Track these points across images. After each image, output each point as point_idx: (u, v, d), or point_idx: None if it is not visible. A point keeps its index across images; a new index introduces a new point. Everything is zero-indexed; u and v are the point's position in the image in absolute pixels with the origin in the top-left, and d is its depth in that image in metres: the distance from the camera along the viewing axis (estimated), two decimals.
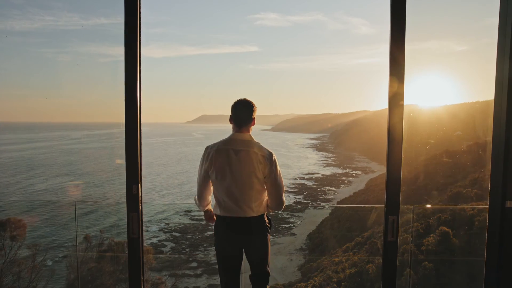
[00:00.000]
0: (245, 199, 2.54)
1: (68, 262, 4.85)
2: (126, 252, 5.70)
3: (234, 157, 2.53)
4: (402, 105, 2.63)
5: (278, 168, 2.64)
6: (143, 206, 2.79)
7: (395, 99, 2.63)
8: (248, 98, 2.66)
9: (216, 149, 2.58)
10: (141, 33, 2.66)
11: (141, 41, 2.68)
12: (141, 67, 2.67)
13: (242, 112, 2.62)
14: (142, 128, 2.75)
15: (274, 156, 2.63)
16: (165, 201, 48.58)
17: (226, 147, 2.57)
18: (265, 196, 2.66)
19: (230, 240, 2.64)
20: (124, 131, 2.69)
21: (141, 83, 2.67)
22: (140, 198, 2.74)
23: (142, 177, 2.79)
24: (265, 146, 2.66)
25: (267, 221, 2.70)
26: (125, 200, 2.78)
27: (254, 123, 2.69)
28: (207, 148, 2.63)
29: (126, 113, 2.64)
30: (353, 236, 16.97)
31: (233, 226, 2.59)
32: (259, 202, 2.61)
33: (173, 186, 57.10)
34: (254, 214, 2.58)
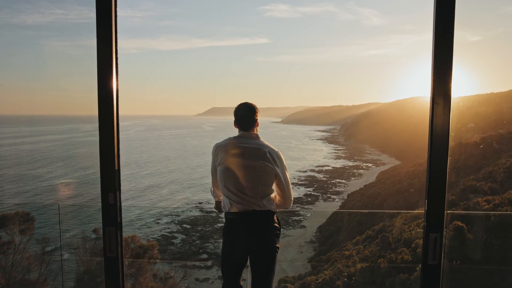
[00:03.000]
0: (252, 193, 2.55)
1: (78, 256, 4.87)
2: (131, 247, 5.71)
3: (242, 152, 2.57)
4: (450, 95, 2.18)
5: (285, 165, 2.69)
6: (122, 218, 2.35)
7: (441, 87, 2.16)
8: (249, 102, 2.73)
9: (224, 144, 2.63)
10: (117, 21, 2.31)
11: (117, 32, 2.28)
12: (118, 61, 2.29)
13: (246, 116, 2.67)
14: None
15: (281, 154, 2.67)
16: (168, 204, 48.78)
17: (235, 142, 2.62)
18: (272, 193, 2.68)
19: (237, 236, 2.62)
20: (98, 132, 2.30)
21: (118, 77, 2.30)
22: (118, 209, 2.30)
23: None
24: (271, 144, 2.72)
25: (276, 220, 2.67)
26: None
27: (258, 125, 2.73)
28: (216, 145, 2.69)
29: (100, 108, 2.27)
30: (363, 230, 16.89)
31: (240, 221, 2.59)
32: (266, 198, 2.60)
33: (194, 179, 57.21)
34: (261, 208, 2.57)
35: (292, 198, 2.76)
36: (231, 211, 2.60)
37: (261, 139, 2.68)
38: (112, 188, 2.28)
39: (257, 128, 2.74)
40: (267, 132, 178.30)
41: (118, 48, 2.29)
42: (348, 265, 9.61)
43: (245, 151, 2.58)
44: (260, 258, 2.63)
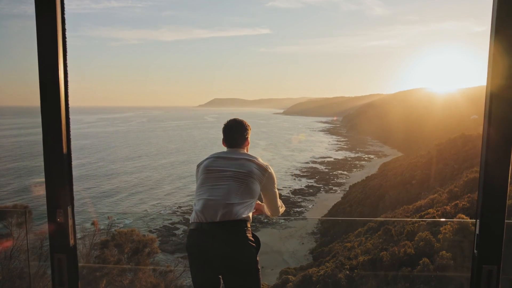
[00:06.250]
0: (226, 198, 2.21)
1: (78, 249, 4.79)
2: (132, 237, 5.66)
3: (225, 161, 2.35)
4: None
5: (275, 180, 2.45)
6: (76, 240, 1.82)
7: (503, 75, 1.68)
8: (239, 118, 2.50)
9: (207, 158, 2.42)
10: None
11: (65, 12, 1.75)
12: (65, 33, 1.75)
13: (234, 132, 2.44)
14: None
15: (270, 168, 2.42)
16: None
17: (219, 156, 2.40)
18: (252, 204, 2.36)
19: (201, 252, 2.21)
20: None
21: (66, 60, 1.77)
22: (71, 229, 1.81)
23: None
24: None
25: (250, 236, 2.25)
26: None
27: (248, 143, 2.50)
28: (199, 163, 2.46)
29: (42, 99, 1.75)
30: (365, 221, 16.85)
31: (203, 232, 2.20)
32: (242, 205, 2.25)
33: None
34: (234, 217, 2.19)
35: (280, 210, 2.54)
36: (195, 220, 2.22)
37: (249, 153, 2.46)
38: (61, 202, 1.78)
39: (248, 147, 2.50)
40: (269, 123, 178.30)
41: (65, 16, 1.75)
42: (350, 257, 9.57)
43: (229, 159, 2.35)
44: (232, 284, 2.25)
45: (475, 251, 1.74)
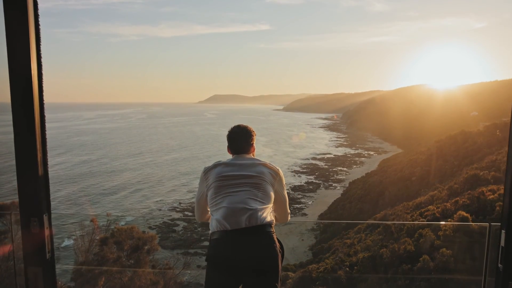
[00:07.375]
0: (248, 204, 2.17)
1: (77, 246, 4.80)
2: (132, 234, 5.64)
3: (237, 166, 2.30)
4: None
5: (284, 184, 2.44)
6: (54, 253, 1.64)
7: None
8: (244, 124, 2.45)
9: (216, 164, 2.35)
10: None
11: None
12: (39, 29, 1.53)
13: (240, 139, 2.39)
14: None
15: (281, 171, 2.41)
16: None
17: (227, 162, 2.35)
18: (270, 208, 2.35)
19: (225, 260, 2.14)
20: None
21: (40, 54, 1.55)
22: (47, 239, 1.61)
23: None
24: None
25: (277, 241, 2.23)
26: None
27: (254, 149, 2.45)
28: (205, 168, 2.39)
29: (13, 97, 1.53)
30: (365, 218, 16.85)
31: (230, 239, 2.14)
32: (264, 210, 2.23)
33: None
34: (260, 222, 2.17)
35: (289, 217, 2.52)
36: (218, 229, 2.17)
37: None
38: (36, 211, 1.57)
39: (254, 153, 2.44)
40: (269, 119, 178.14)
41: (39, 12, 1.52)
42: (350, 254, 9.57)
43: (240, 165, 2.30)
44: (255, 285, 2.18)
45: (500, 265, 1.55)
